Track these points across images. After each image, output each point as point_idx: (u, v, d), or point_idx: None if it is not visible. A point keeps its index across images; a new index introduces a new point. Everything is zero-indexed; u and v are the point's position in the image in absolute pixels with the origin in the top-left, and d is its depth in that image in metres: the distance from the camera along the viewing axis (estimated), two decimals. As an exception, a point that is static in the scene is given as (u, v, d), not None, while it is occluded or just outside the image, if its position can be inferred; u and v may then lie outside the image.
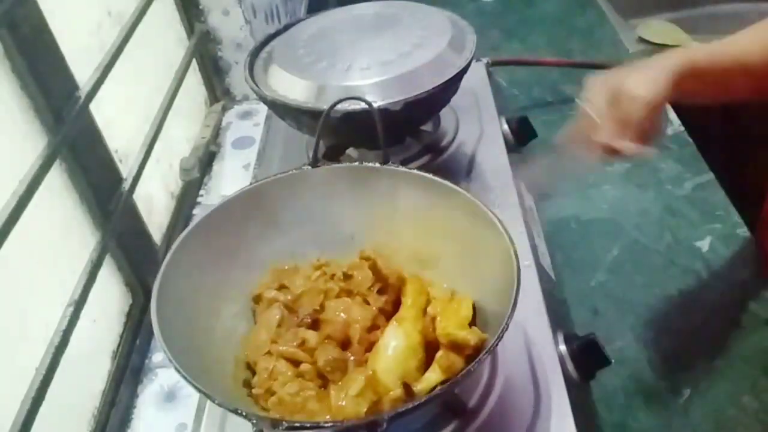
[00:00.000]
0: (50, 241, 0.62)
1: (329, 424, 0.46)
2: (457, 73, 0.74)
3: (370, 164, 0.65)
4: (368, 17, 0.84)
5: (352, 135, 0.78)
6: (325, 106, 0.65)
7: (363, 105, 0.64)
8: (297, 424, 0.46)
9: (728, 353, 0.73)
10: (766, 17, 0.66)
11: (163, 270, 0.55)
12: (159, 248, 0.81)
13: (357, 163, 0.67)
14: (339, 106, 0.65)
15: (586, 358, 0.63)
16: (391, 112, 0.70)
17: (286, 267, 0.64)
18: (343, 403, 0.51)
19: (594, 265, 0.84)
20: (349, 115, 0.68)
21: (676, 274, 0.82)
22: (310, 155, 0.67)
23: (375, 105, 0.64)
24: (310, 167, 0.65)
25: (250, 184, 0.65)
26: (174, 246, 0.57)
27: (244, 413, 0.46)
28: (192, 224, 0.60)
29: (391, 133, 0.77)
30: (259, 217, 0.64)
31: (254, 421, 0.47)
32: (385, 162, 0.64)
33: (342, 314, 0.58)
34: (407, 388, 0.52)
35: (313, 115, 0.70)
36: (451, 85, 0.75)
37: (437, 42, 0.76)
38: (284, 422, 0.45)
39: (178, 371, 0.47)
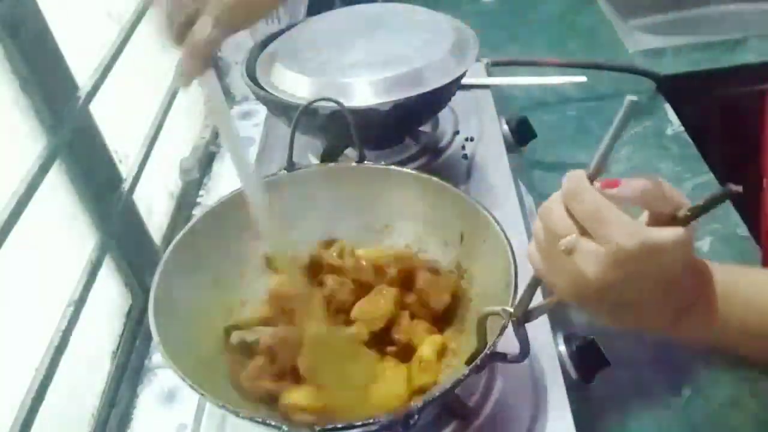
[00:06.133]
0: (50, 241, 0.62)
1: (359, 423, 0.45)
2: (453, 80, 0.74)
3: (347, 164, 0.65)
4: (372, 18, 0.84)
5: (342, 134, 0.78)
6: (302, 102, 0.65)
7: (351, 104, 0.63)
8: (329, 426, 0.45)
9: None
10: (766, 17, 0.64)
11: (159, 273, 0.55)
12: (159, 248, 0.81)
13: (333, 164, 0.67)
14: (318, 104, 0.64)
15: (586, 360, 0.63)
16: (382, 113, 0.69)
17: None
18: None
19: (594, 266, 0.83)
20: (332, 114, 0.67)
21: (676, 274, 0.82)
22: (309, 155, 0.67)
23: (365, 105, 0.64)
24: (285, 172, 0.65)
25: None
26: (170, 248, 0.57)
27: (272, 423, 0.45)
28: (188, 226, 0.60)
29: (387, 133, 0.77)
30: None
31: (286, 429, 0.45)
32: (360, 161, 0.64)
33: None
34: None
35: (305, 111, 0.70)
36: (446, 90, 0.75)
37: (439, 47, 0.76)
38: (316, 426, 0.44)
39: (183, 380, 0.47)
